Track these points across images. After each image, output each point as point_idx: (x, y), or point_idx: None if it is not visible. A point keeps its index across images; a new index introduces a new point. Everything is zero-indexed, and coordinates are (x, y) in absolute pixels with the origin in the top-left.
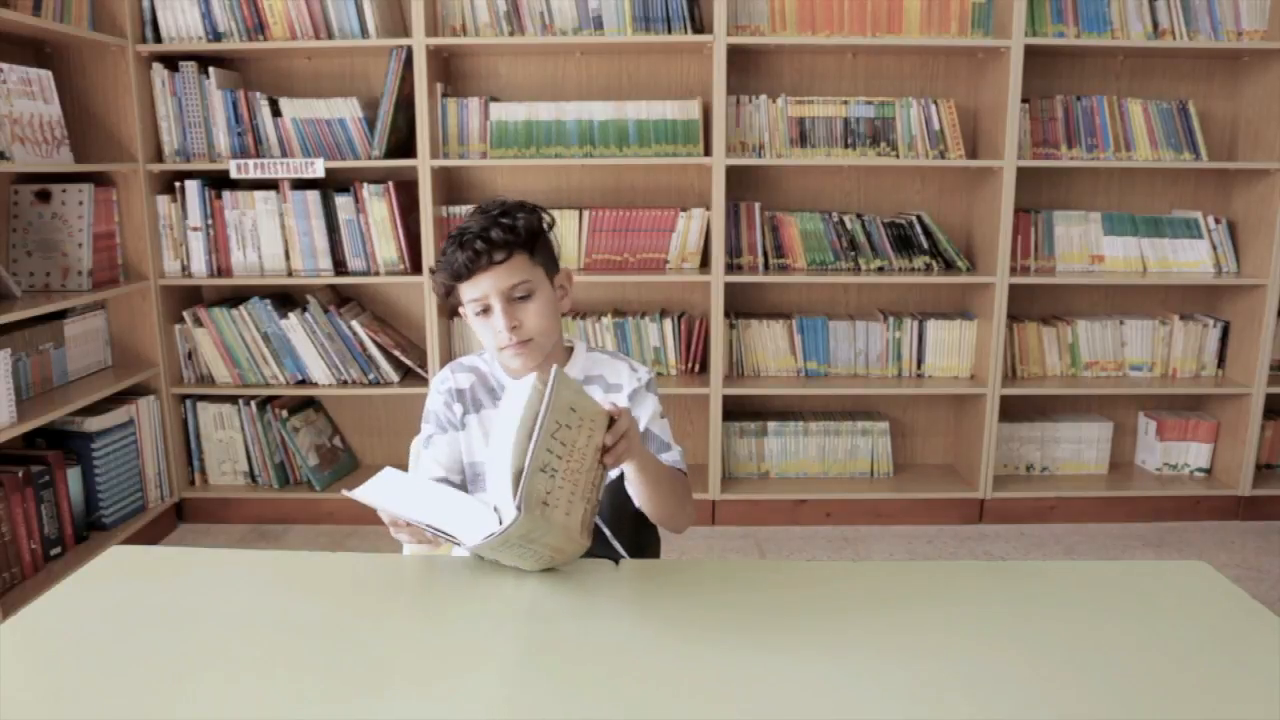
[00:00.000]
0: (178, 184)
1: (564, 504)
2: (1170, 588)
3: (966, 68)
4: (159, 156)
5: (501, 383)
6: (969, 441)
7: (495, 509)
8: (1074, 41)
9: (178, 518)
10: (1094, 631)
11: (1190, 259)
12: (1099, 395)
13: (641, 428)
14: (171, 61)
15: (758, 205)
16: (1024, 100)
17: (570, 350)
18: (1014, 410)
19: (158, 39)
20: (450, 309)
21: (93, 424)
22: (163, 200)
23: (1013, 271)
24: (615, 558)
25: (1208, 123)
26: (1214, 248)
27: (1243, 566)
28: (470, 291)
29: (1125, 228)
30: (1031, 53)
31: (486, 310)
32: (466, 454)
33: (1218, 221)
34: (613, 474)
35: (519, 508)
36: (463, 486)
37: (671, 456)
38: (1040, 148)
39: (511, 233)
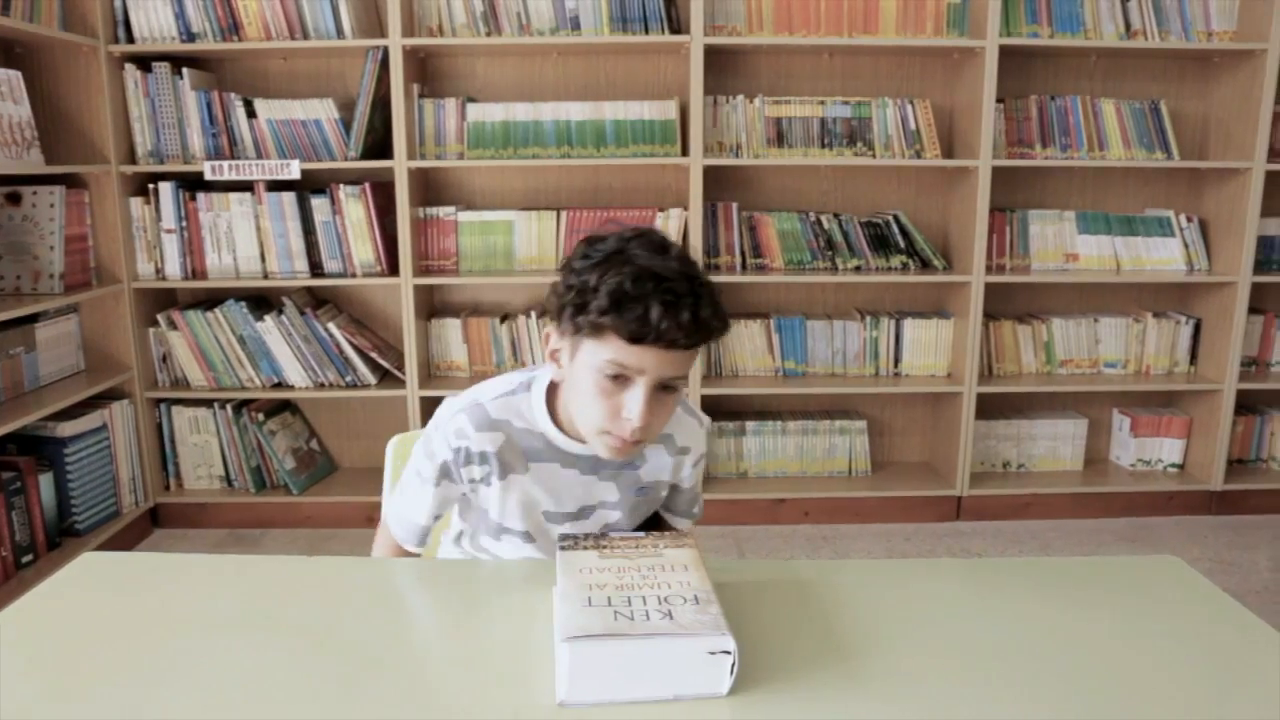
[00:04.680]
0: (151, 186)
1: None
2: (1142, 582)
3: (942, 68)
4: (132, 158)
5: (547, 442)
6: (946, 439)
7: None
8: (1048, 42)
9: (153, 523)
10: (1067, 626)
11: (1163, 257)
12: (1074, 392)
13: (692, 486)
14: (144, 62)
15: (735, 205)
16: (999, 100)
17: None
18: (990, 408)
19: (130, 39)
20: (425, 314)
21: (65, 429)
22: (136, 202)
23: (988, 270)
24: None
25: (1179, 122)
26: (1186, 246)
27: (1215, 560)
28: (625, 355)
29: (1099, 226)
30: (1006, 53)
31: (619, 379)
32: (482, 502)
33: (1189, 220)
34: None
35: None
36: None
37: (698, 509)
38: (1015, 147)
39: (716, 320)
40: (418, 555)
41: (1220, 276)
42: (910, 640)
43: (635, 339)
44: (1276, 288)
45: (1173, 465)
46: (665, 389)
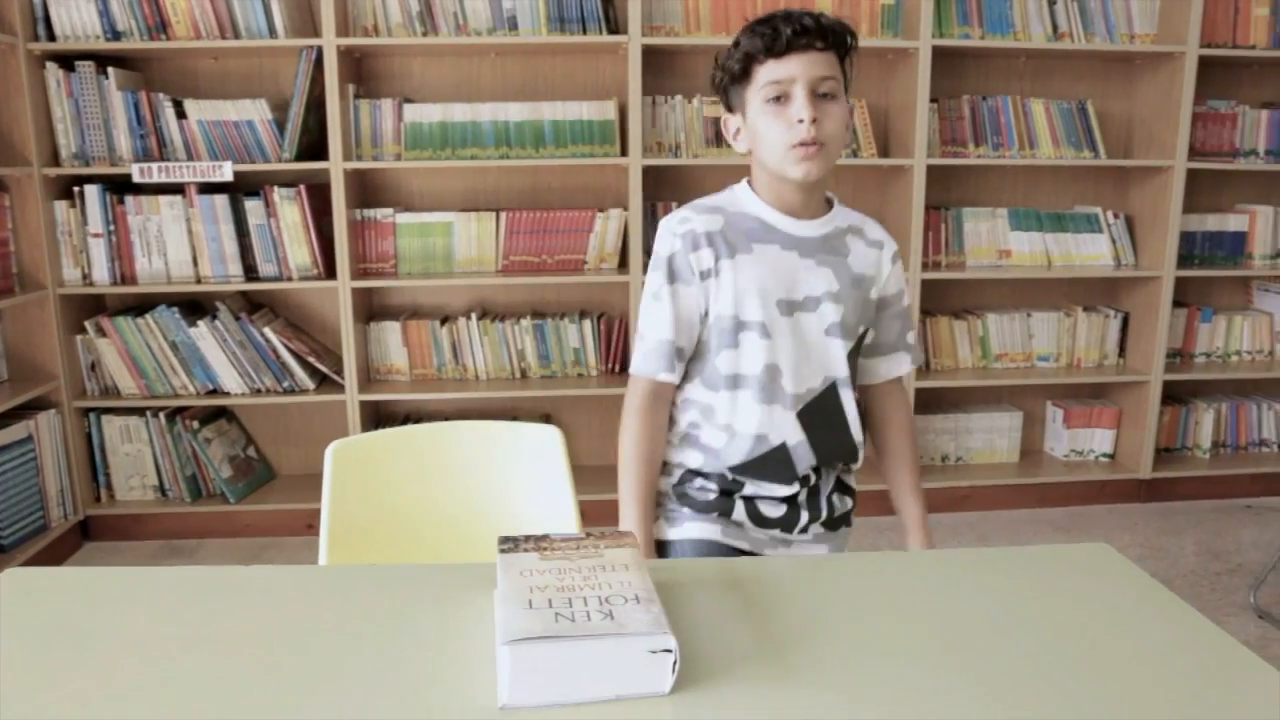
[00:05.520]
0: (76, 189)
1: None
2: (1074, 570)
3: (877, 68)
4: (55, 160)
5: (762, 223)
6: None
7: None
8: (979, 43)
9: (83, 536)
10: (1002, 614)
11: (1091, 253)
12: (1009, 386)
13: (905, 302)
14: (67, 61)
15: (674, 205)
16: (932, 100)
17: (829, 200)
18: (929, 402)
19: (51, 37)
20: (363, 317)
21: None
22: (60, 205)
23: (924, 267)
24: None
25: (1105, 122)
26: (1113, 241)
27: (1145, 546)
28: (774, 71)
29: (1030, 223)
30: (939, 54)
31: (781, 99)
32: (715, 304)
33: (1116, 216)
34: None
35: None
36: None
37: (912, 337)
38: (948, 146)
39: (839, 27)
40: (671, 383)
41: (1146, 271)
42: (851, 633)
43: (770, 50)
44: (1199, 282)
45: (1104, 455)
46: (823, 95)
